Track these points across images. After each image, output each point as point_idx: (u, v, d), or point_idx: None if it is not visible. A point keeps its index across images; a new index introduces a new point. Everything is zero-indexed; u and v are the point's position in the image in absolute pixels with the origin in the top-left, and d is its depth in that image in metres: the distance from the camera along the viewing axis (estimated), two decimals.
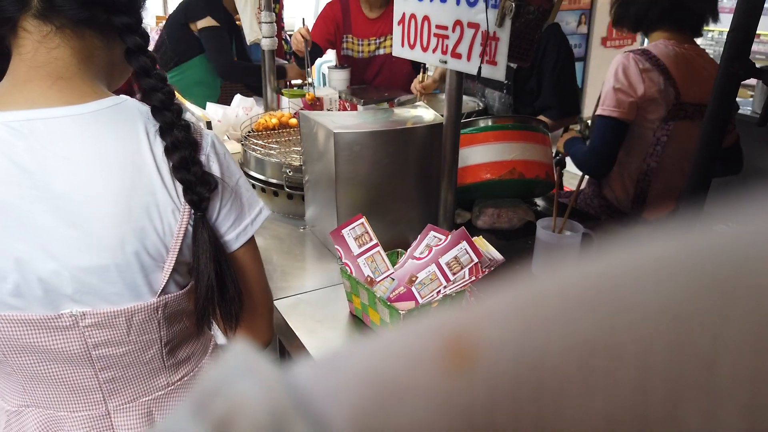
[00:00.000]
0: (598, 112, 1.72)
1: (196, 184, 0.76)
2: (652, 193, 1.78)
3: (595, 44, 5.49)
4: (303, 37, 2.41)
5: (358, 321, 1.23)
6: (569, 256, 1.38)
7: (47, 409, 0.81)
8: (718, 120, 0.76)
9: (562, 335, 0.17)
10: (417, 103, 1.79)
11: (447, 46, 1.31)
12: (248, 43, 2.50)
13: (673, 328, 0.16)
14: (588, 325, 0.17)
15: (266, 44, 2.37)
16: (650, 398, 0.15)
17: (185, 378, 0.89)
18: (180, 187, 0.77)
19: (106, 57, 0.78)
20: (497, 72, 1.20)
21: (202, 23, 2.72)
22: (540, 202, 1.95)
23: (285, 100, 2.55)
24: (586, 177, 1.53)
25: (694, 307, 0.16)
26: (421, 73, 2.44)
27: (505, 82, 2.19)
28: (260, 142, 1.88)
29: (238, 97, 2.39)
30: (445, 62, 1.33)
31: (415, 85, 2.42)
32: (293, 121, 2.10)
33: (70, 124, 0.72)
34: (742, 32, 0.71)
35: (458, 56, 1.29)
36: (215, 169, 0.80)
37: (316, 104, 2.62)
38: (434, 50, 1.36)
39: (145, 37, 0.78)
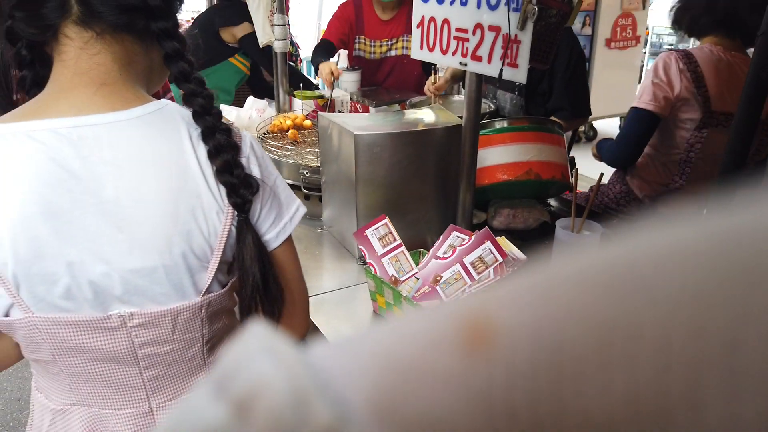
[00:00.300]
0: (633, 105, 1.78)
1: (239, 186, 0.78)
2: (678, 194, 1.83)
3: (599, 46, 5.50)
4: (333, 74, 2.43)
5: (382, 320, 1.25)
6: None
7: (92, 407, 0.83)
8: (746, 126, 0.77)
9: (580, 316, 0.17)
10: (432, 105, 1.80)
11: (467, 48, 1.33)
12: (260, 46, 2.52)
13: (694, 309, 0.15)
14: (607, 306, 0.17)
15: (279, 47, 2.39)
16: (671, 380, 0.15)
17: None
18: (223, 189, 0.78)
19: (144, 62, 0.80)
20: (519, 74, 1.22)
21: (239, 30, 2.71)
22: (553, 202, 1.96)
23: (297, 102, 2.57)
24: (604, 179, 1.55)
25: (716, 288, 0.15)
26: (432, 74, 2.45)
27: (517, 83, 2.20)
28: (276, 143, 1.90)
29: (251, 99, 2.41)
30: (465, 65, 1.35)
31: (429, 86, 2.44)
32: (307, 122, 2.12)
33: (117, 130, 0.74)
34: None
35: (478, 59, 1.31)
36: (255, 171, 0.82)
37: (327, 106, 2.64)
38: (454, 53, 1.38)
39: (183, 41, 0.80)
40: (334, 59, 2.54)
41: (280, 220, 0.86)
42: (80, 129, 0.72)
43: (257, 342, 0.20)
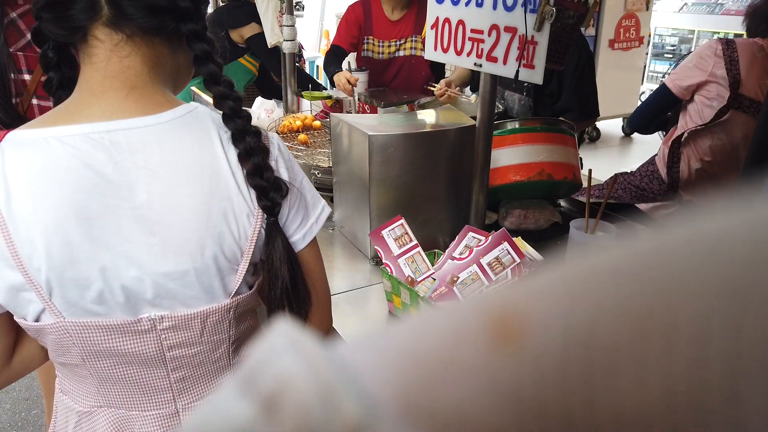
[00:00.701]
0: (662, 80, 1.98)
1: (269, 189, 0.78)
2: (702, 176, 1.95)
3: (603, 46, 5.51)
4: (350, 83, 2.49)
5: (405, 316, 1.25)
6: None
7: (119, 409, 0.83)
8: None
9: (613, 310, 0.17)
10: (443, 105, 1.81)
11: (482, 50, 1.33)
12: (269, 46, 2.52)
13: (733, 302, 0.15)
14: (640, 299, 0.16)
15: (287, 47, 2.39)
16: (708, 374, 0.15)
17: None
18: (253, 192, 0.78)
19: (172, 64, 0.80)
20: (535, 75, 1.22)
21: (247, 31, 2.71)
22: (563, 203, 1.97)
23: (305, 102, 2.58)
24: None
25: (755, 280, 0.15)
26: (444, 79, 2.46)
27: (525, 84, 2.21)
28: (287, 144, 1.90)
29: (259, 100, 2.41)
30: (480, 66, 1.35)
31: (442, 86, 2.44)
32: (317, 123, 2.12)
33: (149, 135, 0.74)
34: None
35: (494, 60, 1.31)
36: (283, 173, 0.82)
37: (335, 107, 2.64)
38: (468, 54, 1.38)
39: (212, 43, 0.80)
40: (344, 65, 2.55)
41: (306, 221, 0.87)
42: (112, 134, 0.72)
43: (283, 339, 0.20)
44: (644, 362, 0.16)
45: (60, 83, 0.80)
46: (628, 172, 2.20)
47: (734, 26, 6.45)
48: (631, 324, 0.16)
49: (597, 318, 0.17)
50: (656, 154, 2.11)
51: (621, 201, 2.07)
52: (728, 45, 1.86)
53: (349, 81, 2.45)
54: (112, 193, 0.71)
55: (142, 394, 0.82)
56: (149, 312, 0.76)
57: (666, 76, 5.44)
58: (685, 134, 1.95)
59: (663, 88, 1.98)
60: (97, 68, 0.73)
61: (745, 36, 1.95)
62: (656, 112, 2.04)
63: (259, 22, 2.61)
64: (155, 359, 0.79)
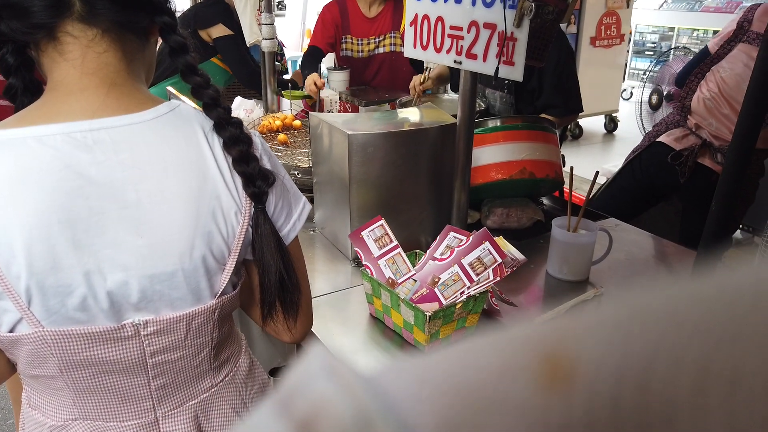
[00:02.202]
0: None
1: (256, 177, 0.77)
2: (701, 104, 2.12)
3: (584, 44, 5.53)
4: (317, 86, 2.48)
5: (378, 323, 1.23)
6: (585, 255, 1.39)
7: (96, 421, 0.80)
8: (753, 120, 0.77)
9: (671, 356, 0.16)
10: (424, 104, 1.79)
11: (462, 46, 1.31)
12: (248, 45, 2.49)
13: None
14: (701, 347, 0.16)
15: (266, 46, 2.36)
16: None
17: (226, 378, 0.89)
18: (240, 188, 0.77)
19: (143, 59, 0.78)
20: (515, 72, 1.21)
21: (215, 32, 2.67)
22: (545, 201, 1.96)
23: (285, 102, 2.54)
24: (598, 181, 1.54)
25: None
26: (425, 73, 2.44)
27: (506, 81, 2.20)
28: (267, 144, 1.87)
29: (238, 99, 2.37)
30: (460, 63, 1.33)
31: (416, 83, 2.43)
32: (297, 122, 2.10)
33: (134, 133, 0.71)
34: None
35: (473, 57, 1.29)
36: (266, 165, 0.81)
37: (316, 106, 2.61)
38: (448, 51, 1.36)
39: (185, 35, 0.78)
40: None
41: (291, 216, 0.86)
42: (96, 133, 0.70)
43: (319, 363, 0.20)
44: (705, 415, 0.15)
45: (24, 88, 0.77)
46: None
47: (714, 23, 6.51)
48: (692, 373, 0.15)
49: (654, 363, 0.16)
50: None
51: (641, 149, 2.26)
52: (753, 6, 2.07)
53: (315, 84, 2.45)
54: (96, 195, 0.69)
55: (121, 404, 0.79)
56: (133, 317, 0.74)
57: (647, 73, 5.48)
58: (703, 73, 2.15)
59: (704, 50, 2.23)
60: (73, 65, 0.71)
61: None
62: (693, 64, 2.25)
63: (228, 24, 2.57)
64: (137, 366, 0.77)
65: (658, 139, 2.22)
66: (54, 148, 0.67)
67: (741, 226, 3.12)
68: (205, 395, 0.86)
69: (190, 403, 0.85)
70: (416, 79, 2.46)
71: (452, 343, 1.13)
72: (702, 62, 2.18)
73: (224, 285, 0.79)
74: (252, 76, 2.69)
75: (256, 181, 0.77)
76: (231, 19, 2.63)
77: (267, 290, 0.84)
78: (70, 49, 0.70)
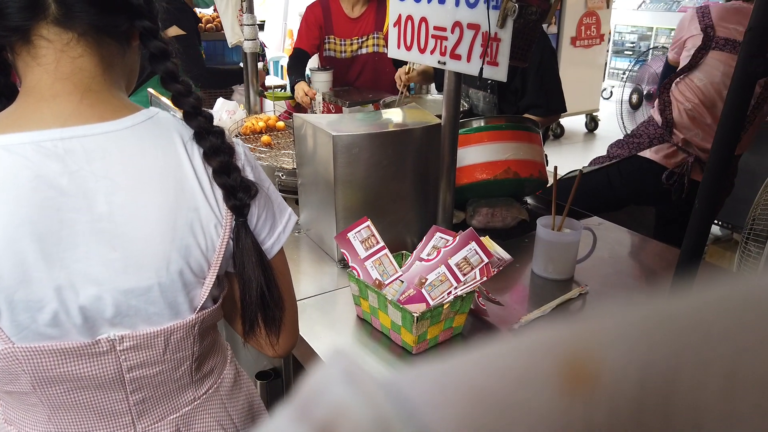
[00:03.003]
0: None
1: (238, 189, 0.75)
2: (678, 112, 2.12)
3: (565, 44, 5.59)
4: (308, 95, 2.48)
5: (366, 324, 1.23)
6: (570, 253, 1.40)
7: None
8: (735, 118, 0.78)
9: (697, 362, 0.16)
10: (409, 104, 1.79)
11: (445, 47, 1.32)
12: (230, 46, 2.47)
13: None
14: (730, 350, 0.15)
15: (248, 47, 2.34)
16: None
17: (209, 391, 0.87)
18: (220, 199, 0.75)
19: (123, 64, 0.75)
20: (499, 73, 1.21)
21: (170, 32, 2.66)
22: (530, 200, 1.97)
23: (268, 103, 2.53)
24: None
25: None
26: (410, 64, 2.44)
27: (489, 81, 2.21)
28: (249, 145, 1.86)
29: (220, 101, 2.35)
30: (444, 63, 1.33)
31: (400, 74, 2.43)
32: (280, 124, 2.08)
33: (108, 142, 0.69)
34: (760, 31, 0.73)
35: (457, 57, 1.29)
36: (249, 176, 0.79)
37: (299, 107, 2.60)
38: (432, 51, 1.36)
39: (167, 41, 0.76)
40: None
41: (275, 228, 0.83)
42: (67, 141, 0.67)
43: (338, 368, 0.20)
44: (735, 420, 0.15)
45: (0, 93, 0.75)
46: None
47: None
48: (720, 377, 0.15)
49: (679, 370, 0.16)
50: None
51: (620, 158, 2.22)
52: (701, 9, 2.07)
53: (306, 93, 2.46)
54: (67, 206, 0.66)
55: (99, 420, 0.77)
56: (108, 332, 0.71)
57: (627, 73, 5.54)
58: (674, 82, 2.13)
59: (666, 64, 2.29)
60: (46, 70, 0.68)
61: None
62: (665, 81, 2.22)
63: (181, 24, 2.56)
64: (113, 382, 0.75)
65: (643, 154, 2.18)
66: (24, 157, 0.65)
67: (720, 223, 3.17)
68: (187, 408, 0.84)
69: (172, 417, 0.82)
70: (401, 71, 2.45)
71: (444, 346, 1.12)
72: (668, 75, 2.19)
73: (204, 299, 0.77)
74: (200, 78, 2.70)
75: (238, 193, 0.75)
76: (185, 18, 2.62)
77: (248, 306, 0.81)
78: (43, 53, 0.67)
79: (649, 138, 2.18)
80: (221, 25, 3.02)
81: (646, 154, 2.16)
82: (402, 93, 2.40)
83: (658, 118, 2.18)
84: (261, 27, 2.50)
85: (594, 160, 2.38)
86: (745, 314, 0.16)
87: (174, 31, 2.61)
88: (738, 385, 0.15)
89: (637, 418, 0.16)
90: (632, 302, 0.18)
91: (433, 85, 2.79)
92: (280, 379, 1.38)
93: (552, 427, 0.17)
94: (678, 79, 2.13)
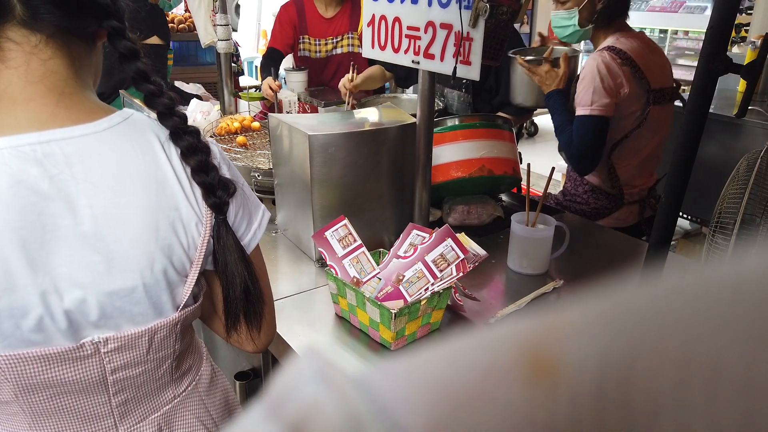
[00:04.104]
0: (584, 113, 1.72)
1: (217, 187, 0.75)
2: (627, 170, 1.86)
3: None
4: (272, 89, 2.42)
5: (344, 322, 1.24)
6: (544, 249, 1.43)
7: None
8: (699, 116, 0.81)
9: (653, 351, 0.16)
10: (386, 103, 1.80)
11: (419, 47, 1.33)
12: (203, 46, 2.45)
13: None
14: (683, 343, 0.16)
15: (222, 47, 2.33)
16: (757, 425, 0.14)
17: (188, 388, 0.87)
18: (200, 198, 0.75)
19: (90, 65, 0.75)
20: (472, 72, 1.23)
21: (149, 41, 2.64)
22: (504, 197, 2.00)
23: (242, 103, 2.52)
24: (553, 176, 1.58)
25: None
26: (351, 71, 2.37)
27: (464, 80, 2.23)
28: (224, 146, 1.85)
29: (194, 101, 2.33)
30: (418, 63, 1.35)
31: (345, 83, 2.34)
32: (255, 124, 2.08)
33: (86, 145, 0.68)
34: (720, 29, 0.76)
35: (431, 57, 1.31)
36: (225, 174, 0.79)
37: (274, 107, 2.60)
38: (406, 51, 1.37)
39: (135, 41, 0.76)
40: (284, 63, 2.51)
41: (251, 225, 0.85)
42: (45, 145, 0.66)
43: (310, 365, 0.20)
44: (687, 410, 0.15)
45: None
46: (560, 196, 2.02)
47: (660, 22, 6.74)
48: (673, 367, 0.16)
49: (636, 359, 0.16)
50: (574, 178, 1.96)
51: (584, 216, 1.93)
52: (619, 53, 1.71)
53: (271, 87, 2.43)
54: (49, 211, 0.66)
55: (81, 425, 0.77)
56: (92, 335, 0.71)
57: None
58: (614, 149, 1.81)
59: (593, 119, 1.71)
60: (16, 73, 0.67)
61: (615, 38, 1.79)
62: (601, 147, 1.76)
63: (161, 35, 2.57)
64: (97, 385, 0.74)
65: (602, 224, 1.89)
66: (2, 162, 0.64)
67: (689, 217, 3.24)
68: (167, 407, 0.84)
69: (153, 416, 0.83)
70: (345, 79, 2.36)
71: (422, 341, 1.14)
72: (604, 133, 1.76)
73: (186, 297, 0.77)
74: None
75: (217, 191, 0.76)
76: (162, 28, 2.63)
77: (232, 302, 0.82)
78: (12, 56, 0.66)
79: (596, 211, 1.91)
80: (194, 26, 3.00)
81: (608, 223, 1.90)
82: (349, 102, 2.33)
83: (606, 188, 1.89)
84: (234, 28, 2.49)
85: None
86: (698, 304, 0.16)
87: (153, 41, 2.60)
88: (690, 374, 0.15)
89: (598, 406, 0.16)
90: (595, 295, 0.19)
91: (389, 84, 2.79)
92: (259, 379, 1.39)
93: (516, 418, 0.17)
94: (619, 145, 1.81)
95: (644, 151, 1.85)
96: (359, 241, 1.23)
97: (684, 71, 7.03)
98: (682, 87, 1.96)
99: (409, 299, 1.13)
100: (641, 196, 1.91)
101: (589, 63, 1.73)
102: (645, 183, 1.92)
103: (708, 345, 0.15)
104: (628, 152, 1.82)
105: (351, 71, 2.36)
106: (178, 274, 0.75)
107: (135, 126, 0.73)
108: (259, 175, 1.71)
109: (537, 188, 3.01)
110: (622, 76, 1.70)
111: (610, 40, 1.78)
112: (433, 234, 1.17)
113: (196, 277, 0.77)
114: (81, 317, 0.70)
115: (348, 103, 2.33)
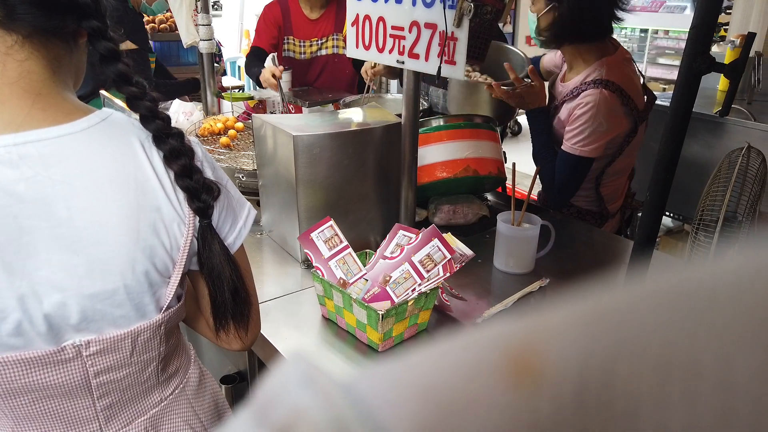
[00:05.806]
0: (574, 153, 1.68)
1: (200, 191, 0.74)
2: (612, 187, 1.83)
3: (520, 43, 5.69)
4: (275, 76, 2.35)
5: (331, 324, 1.23)
6: (529, 247, 1.43)
7: None
8: (682, 115, 0.81)
9: (633, 352, 0.16)
10: (369, 104, 1.79)
11: (404, 46, 1.33)
12: (185, 47, 2.43)
13: (759, 345, 0.15)
14: (662, 343, 0.16)
15: (204, 47, 2.31)
16: (734, 424, 0.14)
17: (176, 391, 0.86)
18: (182, 198, 0.74)
19: (70, 64, 0.74)
20: (457, 71, 1.23)
21: (122, 47, 2.63)
22: (490, 197, 2.00)
23: (225, 104, 2.50)
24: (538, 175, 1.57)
25: None
26: None
27: (448, 80, 2.23)
28: (208, 147, 1.83)
29: (177, 102, 2.31)
30: (403, 63, 1.34)
31: (367, 69, 2.42)
32: (239, 125, 2.06)
33: (64, 146, 0.67)
34: (703, 28, 0.76)
35: (416, 56, 1.31)
36: (209, 175, 0.79)
37: (258, 107, 2.58)
38: (390, 51, 1.37)
39: (116, 42, 0.74)
40: (267, 63, 2.46)
41: (236, 224, 0.84)
42: (21, 147, 0.65)
43: (297, 370, 0.20)
44: (666, 409, 0.15)
45: None
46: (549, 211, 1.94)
47: (641, 22, 6.81)
48: (653, 368, 0.16)
49: (617, 359, 0.17)
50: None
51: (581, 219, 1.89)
52: (617, 89, 1.63)
53: (274, 75, 2.35)
54: (25, 213, 0.65)
55: (65, 428, 0.76)
56: (73, 338, 0.70)
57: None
58: (602, 175, 1.78)
59: (582, 160, 1.68)
60: None
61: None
62: (579, 181, 1.75)
63: (133, 38, 2.55)
64: (80, 388, 0.73)
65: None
66: None
67: (672, 215, 3.28)
68: (155, 410, 0.83)
69: (140, 420, 0.82)
70: (367, 65, 2.42)
71: (409, 342, 1.13)
72: (587, 171, 1.73)
73: (169, 298, 0.76)
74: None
75: (201, 195, 0.75)
76: (137, 31, 2.61)
77: (220, 305, 0.81)
78: None
79: (603, 217, 1.88)
80: (175, 26, 2.97)
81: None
82: (370, 86, 2.39)
83: (595, 207, 1.87)
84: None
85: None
86: (677, 306, 0.17)
87: (126, 45, 2.57)
88: (669, 375, 0.16)
89: (579, 407, 0.17)
90: (577, 296, 0.19)
91: (394, 83, 2.79)
92: (245, 382, 1.37)
93: (500, 420, 0.18)
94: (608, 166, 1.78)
95: (628, 168, 1.85)
96: (345, 242, 1.22)
97: (664, 70, 7.10)
98: (663, 87, 1.96)
99: (396, 300, 1.12)
100: (625, 205, 1.92)
101: (589, 100, 1.62)
102: (624, 190, 1.91)
103: (687, 346, 0.16)
104: (613, 174, 1.80)
105: None
106: (160, 276, 0.74)
107: (114, 126, 0.72)
108: (243, 177, 1.70)
109: (522, 187, 3.02)
110: (620, 114, 1.65)
111: (599, 72, 1.67)
112: (420, 234, 1.16)
113: (179, 278, 0.76)
114: (61, 321, 0.68)
115: (368, 88, 2.38)
